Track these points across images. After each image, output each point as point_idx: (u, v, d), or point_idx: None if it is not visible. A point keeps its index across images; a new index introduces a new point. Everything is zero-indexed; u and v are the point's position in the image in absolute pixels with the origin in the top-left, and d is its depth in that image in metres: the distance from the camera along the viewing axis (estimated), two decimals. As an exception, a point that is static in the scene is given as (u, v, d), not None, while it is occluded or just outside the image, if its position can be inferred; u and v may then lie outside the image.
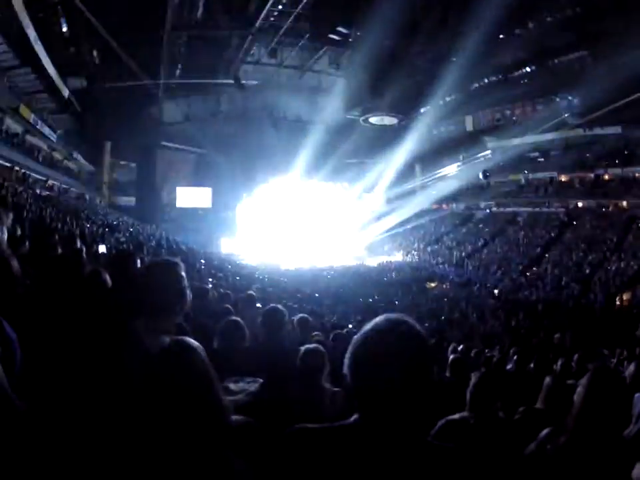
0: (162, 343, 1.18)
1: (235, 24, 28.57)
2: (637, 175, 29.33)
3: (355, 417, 1.13)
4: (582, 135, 31.42)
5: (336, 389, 2.93)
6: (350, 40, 31.97)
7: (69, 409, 1.46)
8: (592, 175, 31.74)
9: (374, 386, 1.07)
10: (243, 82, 34.59)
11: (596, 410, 1.81)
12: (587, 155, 31.91)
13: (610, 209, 29.67)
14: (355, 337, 1.14)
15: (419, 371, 1.07)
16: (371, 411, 1.09)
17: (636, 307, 18.09)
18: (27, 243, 3.96)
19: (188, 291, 1.85)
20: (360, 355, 1.10)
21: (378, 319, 1.14)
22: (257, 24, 28.59)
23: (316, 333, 5.44)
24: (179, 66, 31.79)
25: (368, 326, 1.14)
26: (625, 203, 28.92)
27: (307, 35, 31.33)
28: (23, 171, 22.48)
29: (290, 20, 28.35)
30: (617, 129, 29.38)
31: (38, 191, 20.62)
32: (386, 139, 39.93)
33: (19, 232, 3.97)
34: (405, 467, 1.06)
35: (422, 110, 37.68)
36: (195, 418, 1.12)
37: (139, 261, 3.09)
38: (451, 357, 4.50)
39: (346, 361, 1.13)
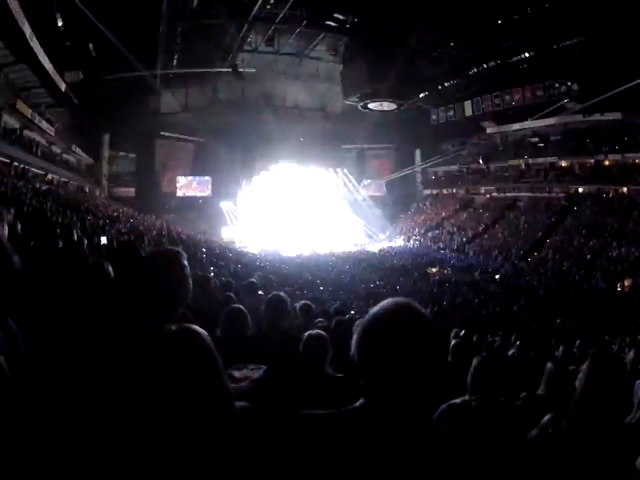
0: (166, 330, 1.17)
1: (232, 12, 28.29)
2: (637, 160, 29.21)
3: (360, 401, 1.14)
4: (582, 121, 31.28)
5: (339, 375, 2.95)
6: (347, 26, 31.68)
7: (73, 400, 1.47)
8: (592, 161, 31.63)
9: (381, 368, 1.08)
10: (241, 70, 34.36)
11: (596, 396, 1.82)
12: (587, 140, 31.77)
13: (610, 194, 29.58)
14: (362, 320, 1.15)
15: (426, 354, 1.08)
16: (378, 393, 1.10)
17: (637, 293, 18.09)
18: (28, 238, 3.97)
19: (190, 280, 1.85)
20: (367, 337, 1.11)
21: (384, 303, 1.15)
22: (254, 11, 28.31)
23: (318, 319, 5.46)
24: (176, 56, 31.56)
25: (375, 309, 1.14)
26: (625, 189, 28.83)
27: (304, 22, 31.04)
28: (22, 166, 22.42)
29: (287, 7, 28.07)
30: (616, 115, 29.23)
31: (37, 186, 20.57)
32: (385, 125, 39.81)
33: (19, 227, 3.97)
34: (411, 450, 1.07)
35: (421, 95, 37.48)
36: (199, 403, 1.12)
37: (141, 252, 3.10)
38: (453, 342, 4.50)
39: (353, 343, 1.14)
